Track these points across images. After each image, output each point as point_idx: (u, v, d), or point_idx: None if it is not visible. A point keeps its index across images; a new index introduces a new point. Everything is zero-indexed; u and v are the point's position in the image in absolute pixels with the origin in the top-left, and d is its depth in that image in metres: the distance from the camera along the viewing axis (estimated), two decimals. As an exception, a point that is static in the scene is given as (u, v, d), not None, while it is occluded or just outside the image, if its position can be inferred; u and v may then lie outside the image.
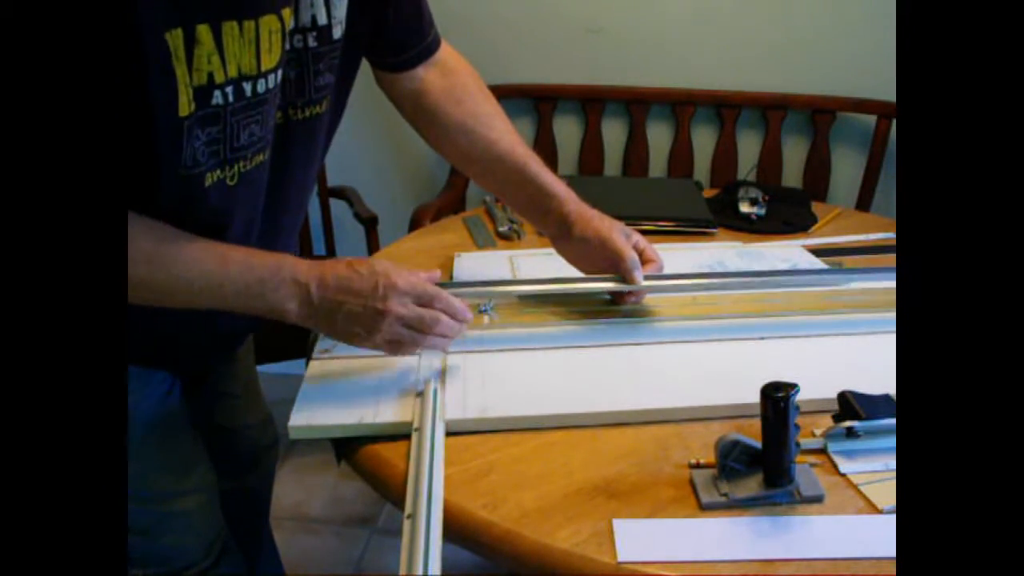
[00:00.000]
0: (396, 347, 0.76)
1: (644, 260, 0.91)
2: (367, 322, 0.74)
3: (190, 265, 0.70)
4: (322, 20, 0.77)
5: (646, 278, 0.89)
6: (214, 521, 0.97)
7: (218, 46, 0.65)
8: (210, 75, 0.66)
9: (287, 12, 0.71)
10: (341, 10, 0.79)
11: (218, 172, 0.71)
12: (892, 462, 0.69)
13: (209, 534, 0.96)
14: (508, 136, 0.94)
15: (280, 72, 0.73)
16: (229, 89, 0.68)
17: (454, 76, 0.95)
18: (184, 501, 0.92)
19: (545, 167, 0.94)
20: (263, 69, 0.70)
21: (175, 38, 0.63)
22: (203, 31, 0.64)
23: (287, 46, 0.73)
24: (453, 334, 0.77)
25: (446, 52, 0.96)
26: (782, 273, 0.93)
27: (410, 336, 0.75)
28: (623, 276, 0.89)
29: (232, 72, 0.67)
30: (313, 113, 0.81)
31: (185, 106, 0.66)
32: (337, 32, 0.79)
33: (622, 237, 0.90)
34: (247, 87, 0.69)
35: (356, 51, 0.85)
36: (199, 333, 0.88)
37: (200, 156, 0.69)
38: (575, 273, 0.94)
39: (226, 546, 0.98)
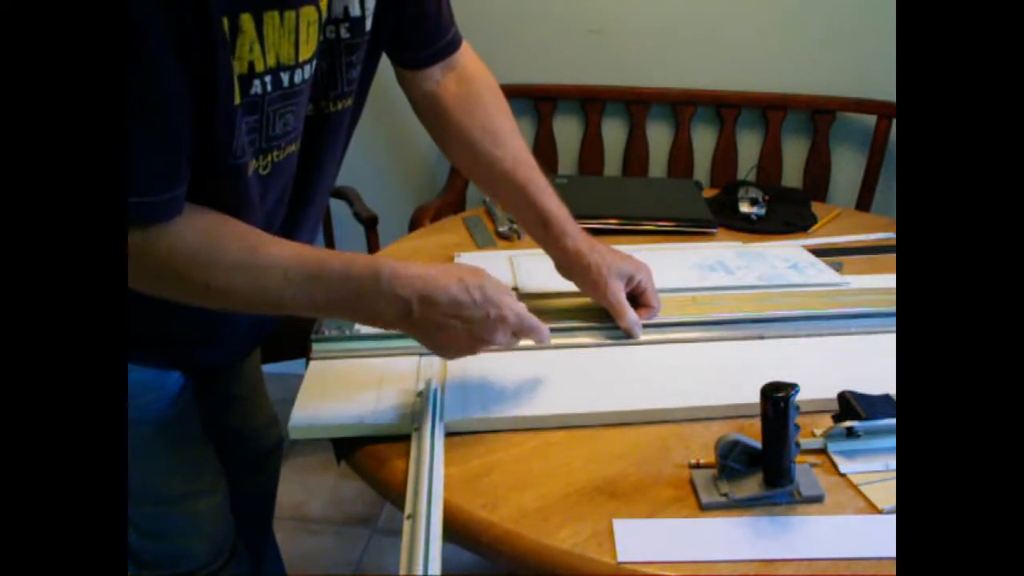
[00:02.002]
0: (467, 353, 0.76)
1: (641, 304, 0.91)
2: (464, 343, 0.73)
3: (281, 276, 0.69)
4: (355, 12, 0.76)
5: (644, 326, 0.89)
6: (225, 523, 0.97)
7: (259, 35, 0.65)
8: (251, 64, 0.66)
9: (324, 3, 0.71)
10: (372, 1, 0.78)
11: (254, 162, 0.72)
12: (892, 462, 0.69)
13: (220, 536, 0.96)
14: (513, 155, 0.92)
15: (315, 63, 0.73)
16: (268, 78, 0.68)
17: (470, 85, 0.93)
18: (196, 503, 0.92)
19: (548, 189, 0.91)
20: (300, 59, 0.70)
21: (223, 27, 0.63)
22: (246, 20, 0.64)
23: (321, 37, 0.73)
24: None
25: (467, 58, 0.94)
26: (779, 320, 0.91)
27: (485, 350, 0.75)
28: (623, 331, 0.89)
29: (271, 62, 0.68)
30: (344, 106, 0.81)
31: (238, 95, 0.66)
32: (368, 24, 0.79)
33: (621, 289, 0.89)
34: (284, 77, 0.70)
35: (380, 45, 0.84)
36: (220, 334, 0.88)
37: (246, 146, 0.69)
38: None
39: (235, 548, 0.98)
